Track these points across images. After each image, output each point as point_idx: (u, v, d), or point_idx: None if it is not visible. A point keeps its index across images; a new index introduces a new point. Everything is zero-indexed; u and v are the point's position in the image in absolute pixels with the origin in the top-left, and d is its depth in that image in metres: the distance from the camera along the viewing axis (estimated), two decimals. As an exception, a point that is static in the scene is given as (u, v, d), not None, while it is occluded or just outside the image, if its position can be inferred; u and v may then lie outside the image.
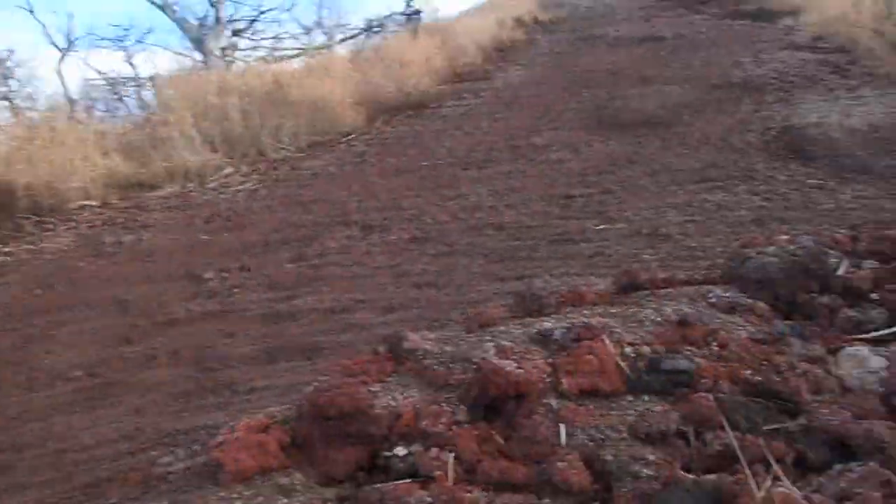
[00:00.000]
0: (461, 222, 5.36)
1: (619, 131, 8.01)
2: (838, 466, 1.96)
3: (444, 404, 2.26)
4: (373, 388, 2.35)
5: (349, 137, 8.93)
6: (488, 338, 2.60)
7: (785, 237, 3.25)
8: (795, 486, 1.78)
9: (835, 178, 5.38)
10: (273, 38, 13.12)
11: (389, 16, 14.55)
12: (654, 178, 6.00)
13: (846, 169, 5.58)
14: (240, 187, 7.25)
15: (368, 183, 6.78)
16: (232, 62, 14.09)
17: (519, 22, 20.46)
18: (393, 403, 2.27)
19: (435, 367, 2.44)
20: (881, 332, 2.54)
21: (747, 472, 1.81)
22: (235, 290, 4.66)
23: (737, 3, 20.42)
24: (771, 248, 2.93)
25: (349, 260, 4.79)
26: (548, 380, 2.32)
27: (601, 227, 4.80)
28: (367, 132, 9.14)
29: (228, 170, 7.80)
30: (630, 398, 2.25)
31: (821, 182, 5.33)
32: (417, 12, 16.91)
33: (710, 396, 2.19)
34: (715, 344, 2.53)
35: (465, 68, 13.93)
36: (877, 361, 2.34)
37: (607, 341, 2.45)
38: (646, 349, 2.42)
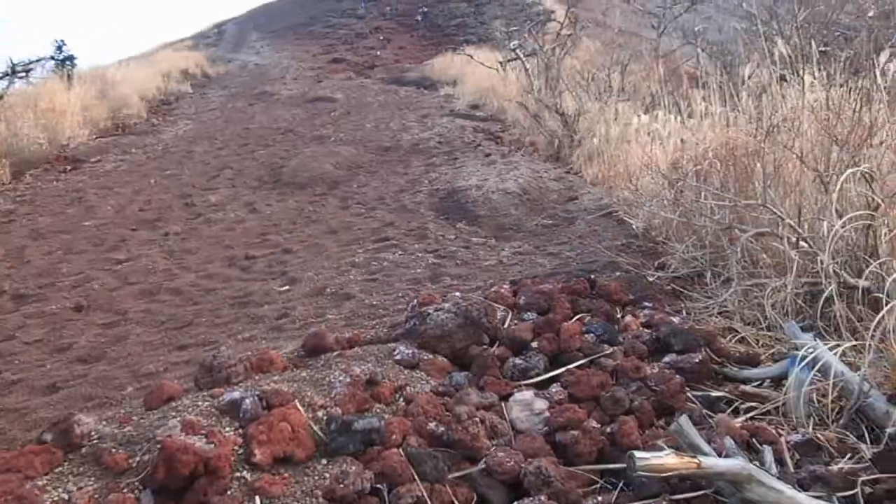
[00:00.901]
0: (133, 288, 5.02)
1: (298, 190, 8.15)
2: (515, 504, 2.19)
3: (126, 491, 2.10)
4: (39, 483, 2.11)
5: (-8, 193, 7.94)
6: (172, 413, 2.47)
7: (458, 294, 3.57)
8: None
9: (496, 237, 6.01)
10: None
11: (38, 60, 13.23)
12: (335, 238, 6.19)
13: (505, 228, 6.27)
14: None
15: (19, 246, 6.07)
16: None
17: (186, 75, 20.00)
18: (66, 497, 2.05)
19: (113, 450, 2.25)
20: (542, 377, 2.90)
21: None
22: None
23: (402, 70, 22.10)
24: (447, 305, 3.19)
25: (-2, 335, 4.23)
26: (240, 452, 2.27)
27: (285, 288, 4.82)
28: (13, 188, 8.20)
29: None
30: (325, 461, 2.28)
31: (484, 240, 5.91)
32: (71, 58, 15.68)
33: (401, 451, 2.32)
34: (402, 400, 2.69)
35: (130, 120, 13.23)
36: (540, 404, 2.66)
37: (299, 406, 2.48)
38: (337, 411, 2.48)
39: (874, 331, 2.72)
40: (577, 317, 3.36)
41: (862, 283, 3.27)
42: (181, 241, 6.21)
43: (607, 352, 3.01)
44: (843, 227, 3.31)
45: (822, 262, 3.29)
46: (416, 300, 3.43)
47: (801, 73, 4.59)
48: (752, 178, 4.10)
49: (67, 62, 15.36)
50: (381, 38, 27.29)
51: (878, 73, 3.95)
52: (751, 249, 3.94)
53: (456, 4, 31.76)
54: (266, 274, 5.23)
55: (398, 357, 2.95)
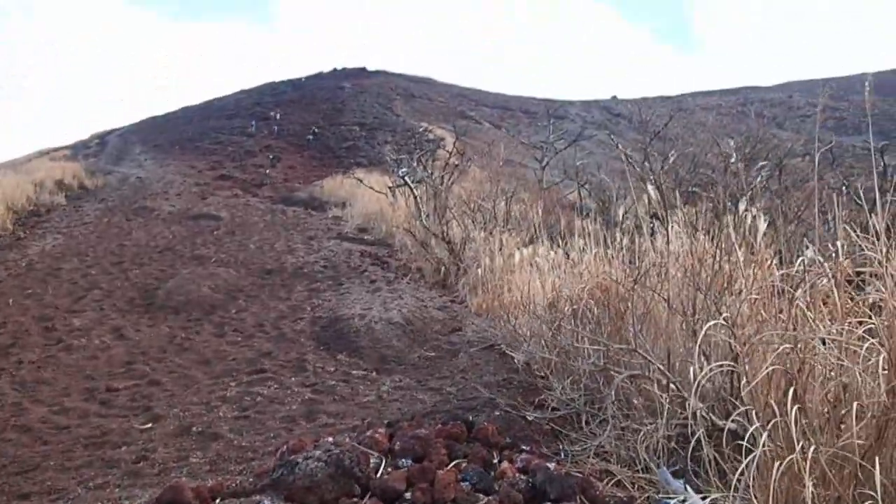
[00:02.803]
0: (-27, 424, 4.65)
1: (171, 314, 7.90)
2: None
3: None
4: None
5: None
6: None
7: (330, 439, 3.48)
8: None
9: (377, 369, 5.96)
10: None
11: None
12: (207, 368, 5.99)
13: (387, 360, 6.25)
14: None
15: None
16: None
17: (61, 185, 19.44)
18: None
19: None
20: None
21: None
22: None
23: (290, 190, 22.26)
24: (317, 453, 3.11)
25: None
26: None
27: (147, 426, 4.57)
28: None
29: None
30: None
31: (365, 372, 5.85)
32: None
33: None
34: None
35: (-8, 233, 12.64)
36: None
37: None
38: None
39: (738, 479, 2.82)
40: (454, 463, 3.33)
41: (729, 424, 3.41)
42: (36, 371, 5.85)
43: (482, 502, 2.98)
44: (709, 372, 3.48)
45: (690, 406, 3.42)
46: (285, 446, 3.32)
47: (666, 219, 4.91)
48: (625, 320, 4.28)
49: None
50: (271, 156, 27.52)
51: (733, 223, 4.28)
52: (625, 391, 4.06)
53: (348, 127, 32.64)
54: (128, 409, 4.97)
55: (263, 511, 2.82)
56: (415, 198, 12.92)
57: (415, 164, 15.43)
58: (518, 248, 8.68)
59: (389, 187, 17.28)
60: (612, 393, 3.87)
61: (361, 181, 18.27)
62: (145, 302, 8.38)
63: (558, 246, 7.57)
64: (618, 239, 5.53)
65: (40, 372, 5.82)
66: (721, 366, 3.51)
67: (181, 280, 9.19)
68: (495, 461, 3.51)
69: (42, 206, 16.43)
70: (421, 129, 30.42)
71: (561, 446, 3.99)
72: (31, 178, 18.34)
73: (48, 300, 8.29)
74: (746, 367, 3.47)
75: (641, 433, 3.61)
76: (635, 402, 3.95)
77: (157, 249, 11.88)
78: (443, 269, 10.21)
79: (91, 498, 3.34)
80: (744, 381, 3.33)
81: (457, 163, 14.22)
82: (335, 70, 50.66)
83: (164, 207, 16.98)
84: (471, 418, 4.05)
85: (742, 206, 4.86)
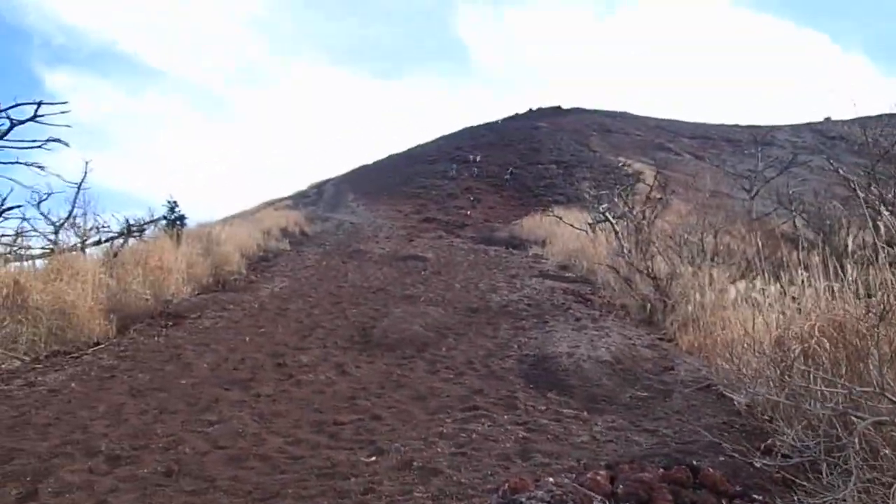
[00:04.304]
0: (222, 452, 5.04)
1: (387, 351, 8.21)
2: None
3: None
4: None
5: (97, 348, 8.30)
6: None
7: (551, 479, 3.43)
8: None
9: (587, 409, 5.83)
10: (16, 233, 12.21)
11: (152, 220, 14.27)
12: (423, 404, 6.14)
13: (597, 399, 6.10)
14: (-43, 405, 6.36)
15: (117, 403, 6.25)
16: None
17: (285, 233, 21.08)
18: None
19: None
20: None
21: None
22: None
23: (491, 230, 22.66)
24: (539, 493, 3.07)
25: (92, 499, 4.27)
26: None
27: (371, 458, 4.75)
28: (118, 343, 8.57)
29: (-56, 383, 6.85)
30: None
31: (576, 412, 5.74)
32: (181, 217, 16.78)
33: None
34: None
35: (229, 277, 13.87)
36: None
37: None
38: None
39: None
40: (681, 510, 3.17)
41: None
42: (272, 404, 6.28)
43: (716, 554, 2.80)
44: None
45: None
46: (506, 485, 3.31)
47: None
48: (865, 360, 3.90)
49: (178, 221, 16.44)
50: (471, 198, 28.24)
51: None
52: (870, 439, 3.68)
53: (545, 166, 32.86)
54: (353, 442, 5.19)
55: (490, 550, 2.82)
56: (616, 233, 12.69)
57: (615, 200, 15.19)
58: (730, 283, 8.25)
59: (589, 224, 17.13)
60: (856, 441, 3.52)
61: (560, 219, 18.27)
62: (363, 339, 8.79)
63: (775, 280, 7.12)
64: (848, 271, 5.09)
65: (275, 405, 6.24)
66: None
67: (394, 319, 9.56)
68: (725, 510, 3.30)
69: (270, 251, 17.86)
70: (619, 164, 30.02)
71: (795, 497, 3.68)
72: (260, 227, 20.02)
73: (279, 338, 8.93)
74: None
75: (894, 487, 3.25)
76: (883, 451, 3.56)
77: (370, 290, 12.48)
78: (648, 305, 9.90)
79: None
80: None
81: (659, 196, 13.85)
82: (530, 111, 51.42)
83: (375, 250, 17.88)
84: (694, 463, 3.84)
85: None
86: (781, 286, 6.69)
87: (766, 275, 7.41)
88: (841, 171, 8.88)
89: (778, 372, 4.57)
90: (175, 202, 17.11)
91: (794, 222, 13.80)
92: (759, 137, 30.16)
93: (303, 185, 39.00)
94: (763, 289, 7.04)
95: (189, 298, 11.50)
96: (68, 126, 11.81)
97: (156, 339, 8.88)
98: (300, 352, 8.17)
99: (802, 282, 6.03)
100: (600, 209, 15.60)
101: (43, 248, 11.74)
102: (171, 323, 9.76)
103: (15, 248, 11.31)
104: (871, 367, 3.68)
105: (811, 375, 4.12)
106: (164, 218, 15.91)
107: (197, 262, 13.10)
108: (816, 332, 4.39)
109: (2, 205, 11.89)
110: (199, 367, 7.55)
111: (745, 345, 5.36)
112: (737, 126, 48.44)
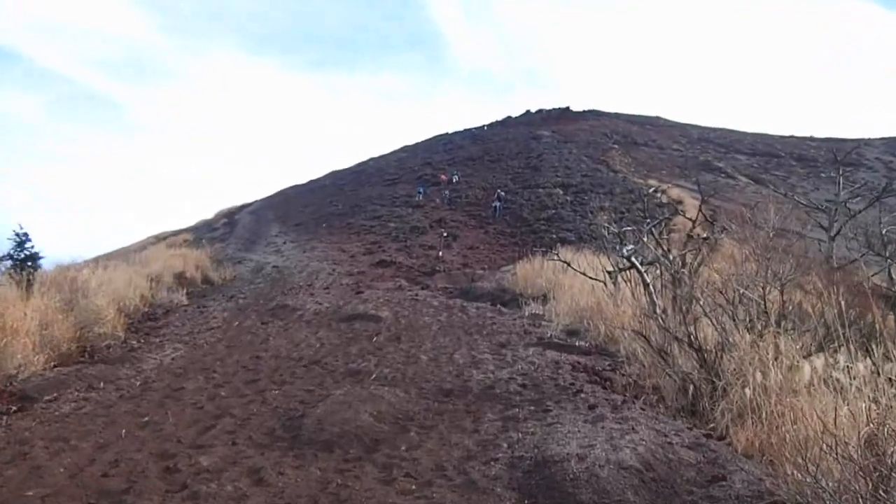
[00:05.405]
0: None
1: (323, 451, 8.14)
2: None
3: None
4: None
5: None
6: None
7: None
8: None
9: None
10: None
11: (-8, 259, 14.12)
12: (373, 531, 6.09)
13: (620, 524, 6.08)
14: None
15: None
16: None
17: (181, 280, 20.97)
18: None
19: None
20: None
21: None
22: None
23: (472, 279, 22.66)
24: None
25: None
26: None
27: None
28: (-64, 437, 8.41)
29: None
30: None
31: (589, 541, 5.72)
32: (34, 257, 16.61)
33: None
34: None
35: (101, 342, 13.74)
36: None
37: None
38: None
39: None
40: None
41: None
42: (155, 530, 6.18)
43: None
44: None
45: None
46: None
47: None
48: None
49: (29, 262, 16.26)
50: (445, 233, 28.35)
51: None
52: None
53: (547, 190, 33.15)
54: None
55: None
56: (646, 286, 12.76)
57: (643, 239, 15.32)
58: (803, 358, 8.31)
59: (608, 272, 17.23)
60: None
61: (568, 264, 18.37)
62: (289, 434, 8.70)
63: (865, 353, 7.19)
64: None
65: (160, 530, 6.15)
66: None
67: (333, 404, 9.48)
68: None
69: (159, 306, 17.78)
70: (649, 189, 30.36)
71: None
72: (147, 271, 19.95)
73: (168, 430, 8.81)
74: None
75: None
76: None
77: (301, 363, 12.41)
78: (691, 388, 9.92)
79: None
80: None
81: (705, 235, 13.98)
82: (528, 113, 51.82)
83: (308, 306, 17.83)
84: None
85: None
86: (873, 363, 6.75)
87: (853, 346, 7.47)
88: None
89: (870, 485, 4.59)
90: (25, 234, 16.95)
91: (888, 273, 13.98)
92: (842, 155, 30.62)
93: (208, 213, 39.00)
94: (848, 366, 7.09)
95: (42, 373, 11.34)
96: None
97: (-8, 431, 8.73)
98: (199, 451, 8.07)
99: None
100: (623, 252, 15.70)
101: None
102: (14, 408, 9.60)
103: None
104: None
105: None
106: (10, 257, 15.73)
107: (55, 321, 12.94)
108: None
109: None
110: (54, 471, 7.42)
111: (825, 446, 5.37)
112: (810, 139, 49.37)
